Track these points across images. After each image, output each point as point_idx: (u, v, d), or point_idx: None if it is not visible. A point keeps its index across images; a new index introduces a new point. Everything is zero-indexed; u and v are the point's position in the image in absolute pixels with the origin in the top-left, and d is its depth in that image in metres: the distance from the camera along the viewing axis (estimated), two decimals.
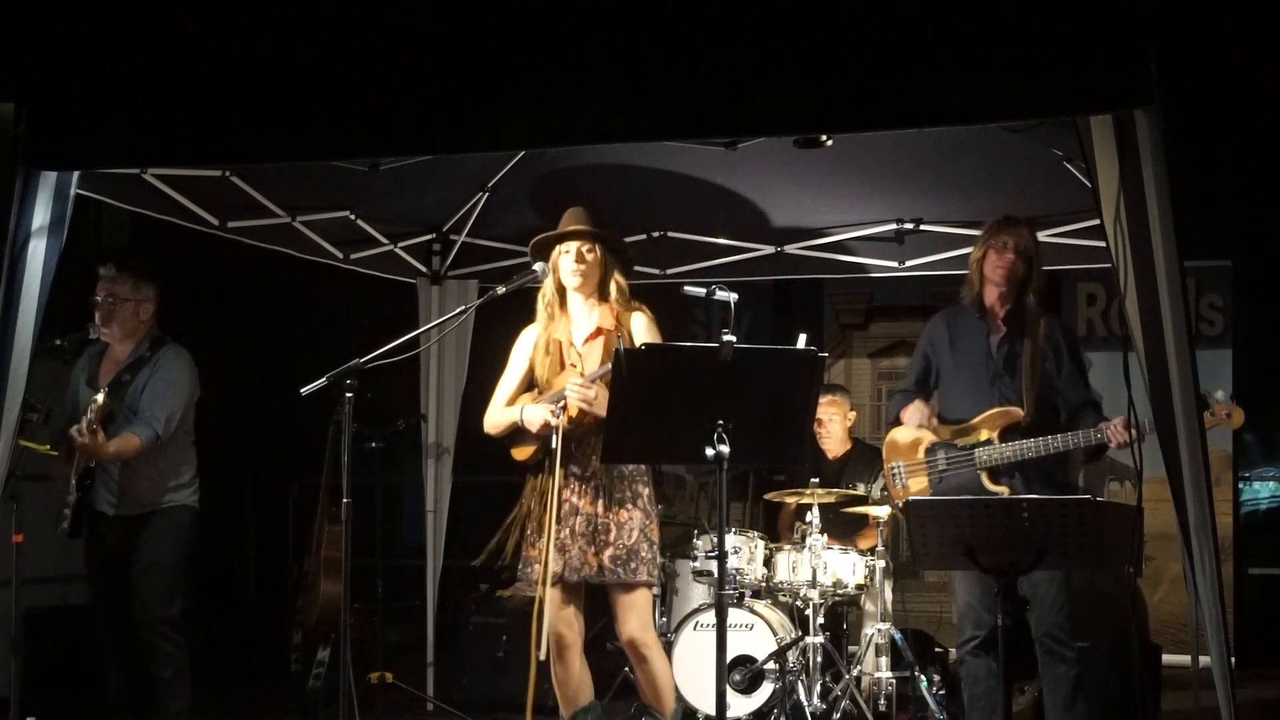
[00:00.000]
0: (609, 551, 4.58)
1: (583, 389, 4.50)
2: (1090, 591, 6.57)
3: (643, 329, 4.67)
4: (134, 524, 5.14)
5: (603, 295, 4.72)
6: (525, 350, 4.80)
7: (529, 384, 4.78)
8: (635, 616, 4.64)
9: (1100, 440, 4.62)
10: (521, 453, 4.74)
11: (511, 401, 4.77)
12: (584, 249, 4.67)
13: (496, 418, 4.78)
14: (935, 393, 5.09)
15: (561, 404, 4.54)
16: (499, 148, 5.22)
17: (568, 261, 4.68)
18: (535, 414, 4.60)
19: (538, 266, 4.70)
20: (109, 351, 5.27)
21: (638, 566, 4.60)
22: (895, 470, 5.01)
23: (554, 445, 4.53)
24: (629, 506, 4.62)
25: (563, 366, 4.69)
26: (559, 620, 4.63)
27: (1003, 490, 4.72)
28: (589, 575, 4.59)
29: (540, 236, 4.76)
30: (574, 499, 4.61)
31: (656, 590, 5.87)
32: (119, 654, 5.21)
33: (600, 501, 4.60)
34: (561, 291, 4.75)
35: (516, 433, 4.72)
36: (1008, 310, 4.87)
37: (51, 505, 5.18)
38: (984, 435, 4.81)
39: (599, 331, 4.69)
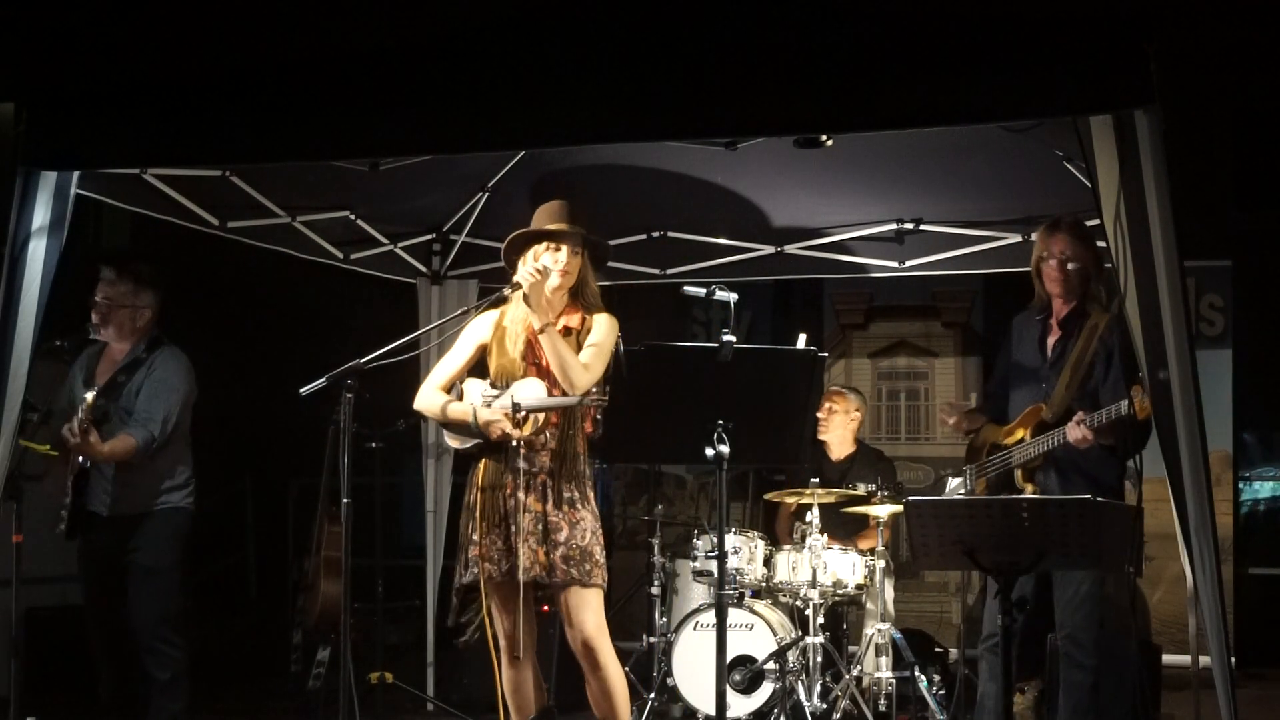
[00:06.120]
0: (560, 551, 4.38)
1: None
2: None
3: (603, 330, 4.45)
4: (128, 525, 5.13)
5: (576, 296, 4.53)
6: (477, 336, 4.61)
7: (471, 371, 4.61)
8: (591, 616, 4.39)
9: (1062, 442, 4.61)
10: (458, 441, 4.56)
11: (448, 386, 4.57)
12: (573, 250, 4.47)
13: (431, 401, 4.56)
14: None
15: (521, 413, 4.35)
16: (499, 148, 5.22)
17: (550, 260, 4.44)
18: (490, 418, 4.39)
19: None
20: (107, 351, 5.27)
21: (591, 569, 4.41)
22: (968, 471, 5.04)
23: (517, 453, 4.39)
24: (579, 507, 4.43)
25: (528, 366, 4.48)
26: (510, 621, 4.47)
27: (1029, 489, 4.71)
28: (538, 575, 4.39)
29: (524, 231, 4.52)
30: (522, 495, 4.40)
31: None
32: (111, 654, 5.20)
33: (550, 500, 4.41)
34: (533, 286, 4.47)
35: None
36: (1068, 311, 4.85)
37: (51, 505, 5.18)
38: (1019, 434, 4.83)
39: (565, 330, 4.47)
